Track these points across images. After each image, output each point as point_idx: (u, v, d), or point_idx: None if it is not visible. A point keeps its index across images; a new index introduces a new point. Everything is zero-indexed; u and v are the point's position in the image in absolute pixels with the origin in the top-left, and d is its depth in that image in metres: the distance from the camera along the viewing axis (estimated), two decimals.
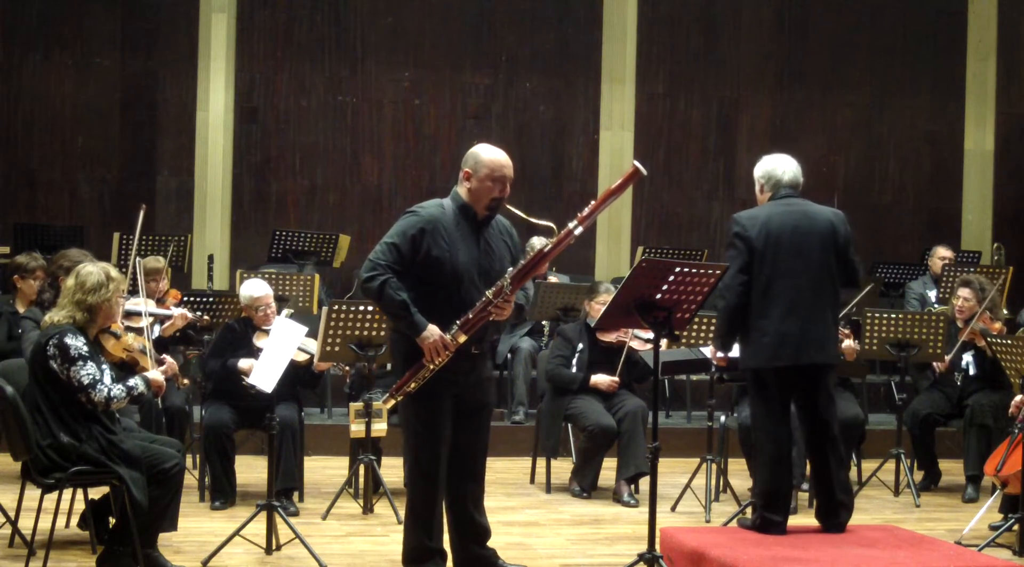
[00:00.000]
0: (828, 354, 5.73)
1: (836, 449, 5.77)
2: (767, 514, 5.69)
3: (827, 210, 5.85)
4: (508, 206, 5.26)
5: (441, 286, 5.12)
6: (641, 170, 5.15)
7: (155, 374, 5.67)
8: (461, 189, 5.25)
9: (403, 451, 5.34)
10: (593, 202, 5.17)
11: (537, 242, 9.86)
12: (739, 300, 5.60)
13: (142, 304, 6.79)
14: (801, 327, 5.58)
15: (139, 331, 6.20)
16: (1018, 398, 7.46)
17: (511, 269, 5.14)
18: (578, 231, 5.09)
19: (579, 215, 5.11)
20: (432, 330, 5.04)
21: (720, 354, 5.86)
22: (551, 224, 5.16)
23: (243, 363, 7.00)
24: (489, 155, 5.22)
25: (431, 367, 5.06)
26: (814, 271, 5.65)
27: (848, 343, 8.05)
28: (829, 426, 5.77)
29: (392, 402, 5.15)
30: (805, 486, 7.62)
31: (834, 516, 5.76)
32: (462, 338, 5.07)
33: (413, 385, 5.09)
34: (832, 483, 5.75)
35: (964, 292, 8.26)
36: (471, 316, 5.07)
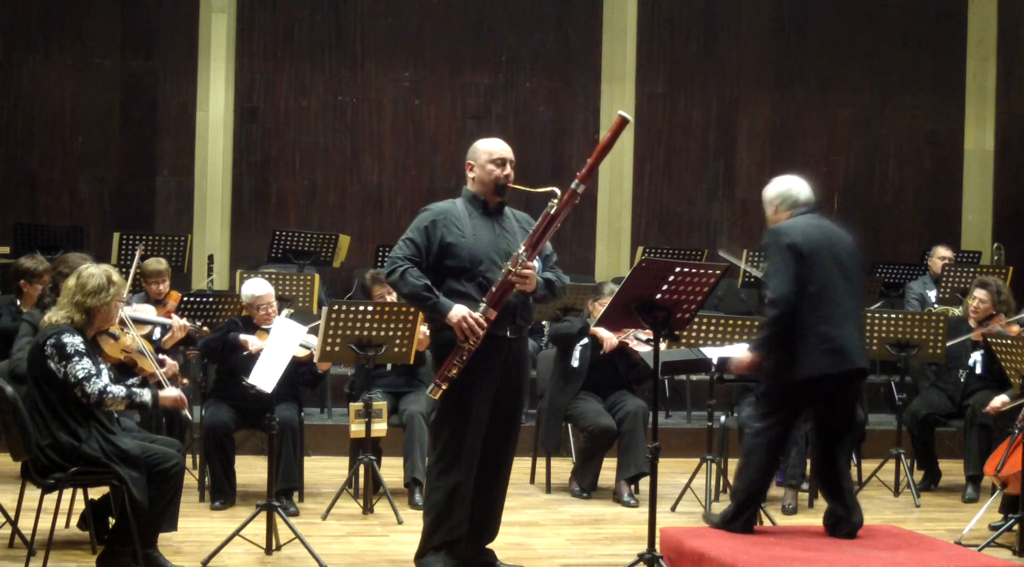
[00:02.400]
0: (867, 359, 5.84)
1: (848, 458, 5.77)
2: (744, 512, 5.69)
3: (841, 228, 5.87)
4: (510, 185, 5.39)
5: (462, 271, 5.24)
6: (626, 118, 5.24)
7: (171, 391, 5.65)
8: (468, 184, 5.44)
9: (433, 441, 5.34)
10: (589, 159, 5.26)
11: None
12: (793, 310, 5.53)
13: (146, 310, 6.79)
14: (854, 333, 5.62)
15: (144, 348, 6.19)
16: (997, 401, 7.48)
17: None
18: (580, 189, 5.20)
19: (578, 173, 5.22)
20: (459, 308, 5.13)
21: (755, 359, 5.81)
22: (553, 188, 5.25)
23: (244, 336, 7.04)
24: (486, 143, 5.46)
25: (467, 347, 5.12)
26: (852, 279, 5.69)
27: None
28: (848, 431, 5.78)
29: (439, 392, 5.19)
30: (805, 486, 7.63)
31: (845, 523, 5.69)
32: (492, 314, 5.14)
33: (454, 370, 5.14)
34: (847, 493, 5.71)
35: (980, 293, 8.25)
36: (494, 290, 5.16)
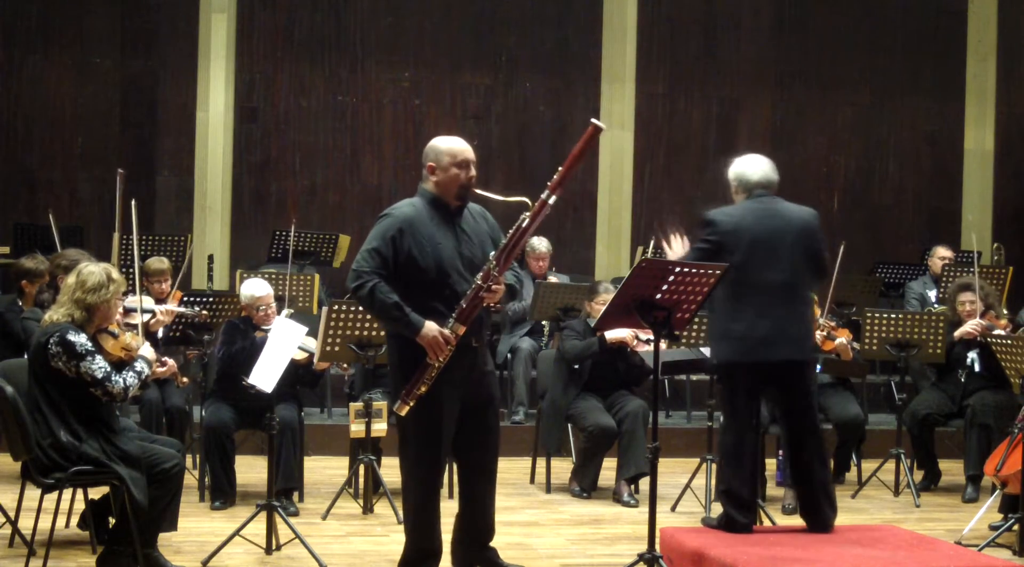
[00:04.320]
0: (804, 350, 5.73)
1: (817, 448, 5.73)
2: (733, 513, 5.69)
3: (803, 209, 5.84)
4: (477, 190, 5.25)
5: (428, 283, 5.11)
6: (599, 126, 5.13)
7: (149, 349, 5.63)
8: (427, 184, 5.26)
9: (400, 451, 5.32)
10: (561, 169, 5.12)
11: (538, 242, 9.89)
12: None
13: (136, 300, 6.78)
14: (775, 325, 5.57)
15: (135, 329, 6.20)
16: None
17: (494, 252, 5.14)
18: (551, 200, 5.07)
19: (549, 184, 5.09)
20: (430, 326, 5.03)
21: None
22: (523, 199, 5.14)
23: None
24: (447, 144, 5.26)
25: (436, 365, 5.05)
26: (788, 269, 5.65)
27: (841, 341, 8.04)
28: (808, 424, 5.73)
29: (406, 408, 5.08)
30: None
31: (818, 516, 5.72)
32: (461, 330, 5.06)
33: (423, 387, 5.06)
34: (814, 485, 5.72)
35: (968, 296, 8.25)
36: (465, 305, 5.06)
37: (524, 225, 5.09)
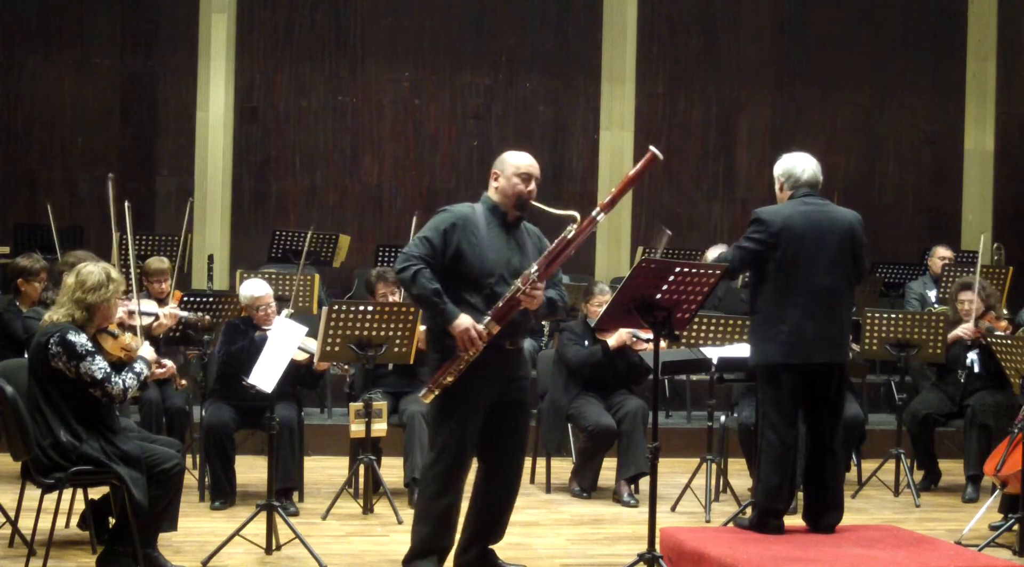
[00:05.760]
0: (842, 355, 5.77)
1: (837, 453, 5.77)
2: (767, 514, 5.70)
3: (847, 212, 5.85)
4: (532, 201, 5.37)
5: (471, 280, 5.21)
6: (657, 155, 5.23)
7: (148, 350, 5.64)
8: (490, 191, 5.40)
9: (431, 447, 5.34)
10: (614, 189, 5.28)
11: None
12: (735, 271, 5.77)
13: (134, 302, 6.78)
14: (820, 327, 5.60)
15: (135, 331, 6.20)
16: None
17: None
18: (600, 218, 5.22)
19: (601, 203, 5.22)
20: (464, 318, 5.10)
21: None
22: (574, 213, 5.24)
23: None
24: (515, 157, 5.42)
25: (465, 358, 5.11)
26: (834, 271, 5.66)
27: None
28: (835, 429, 5.77)
29: (431, 396, 5.19)
30: None
31: (823, 518, 5.76)
32: (495, 328, 5.13)
33: (449, 378, 5.13)
34: (826, 486, 5.75)
35: (968, 295, 8.25)
36: (501, 305, 5.14)
37: (569, 237, 5.22)
